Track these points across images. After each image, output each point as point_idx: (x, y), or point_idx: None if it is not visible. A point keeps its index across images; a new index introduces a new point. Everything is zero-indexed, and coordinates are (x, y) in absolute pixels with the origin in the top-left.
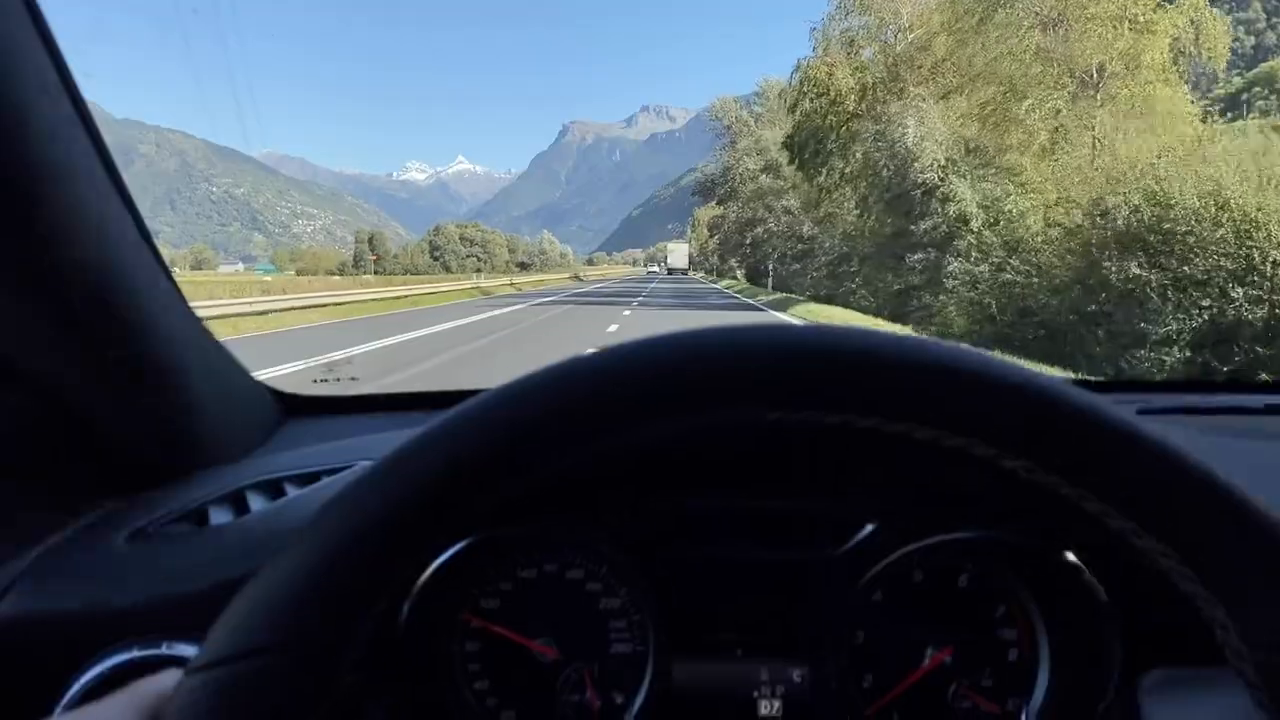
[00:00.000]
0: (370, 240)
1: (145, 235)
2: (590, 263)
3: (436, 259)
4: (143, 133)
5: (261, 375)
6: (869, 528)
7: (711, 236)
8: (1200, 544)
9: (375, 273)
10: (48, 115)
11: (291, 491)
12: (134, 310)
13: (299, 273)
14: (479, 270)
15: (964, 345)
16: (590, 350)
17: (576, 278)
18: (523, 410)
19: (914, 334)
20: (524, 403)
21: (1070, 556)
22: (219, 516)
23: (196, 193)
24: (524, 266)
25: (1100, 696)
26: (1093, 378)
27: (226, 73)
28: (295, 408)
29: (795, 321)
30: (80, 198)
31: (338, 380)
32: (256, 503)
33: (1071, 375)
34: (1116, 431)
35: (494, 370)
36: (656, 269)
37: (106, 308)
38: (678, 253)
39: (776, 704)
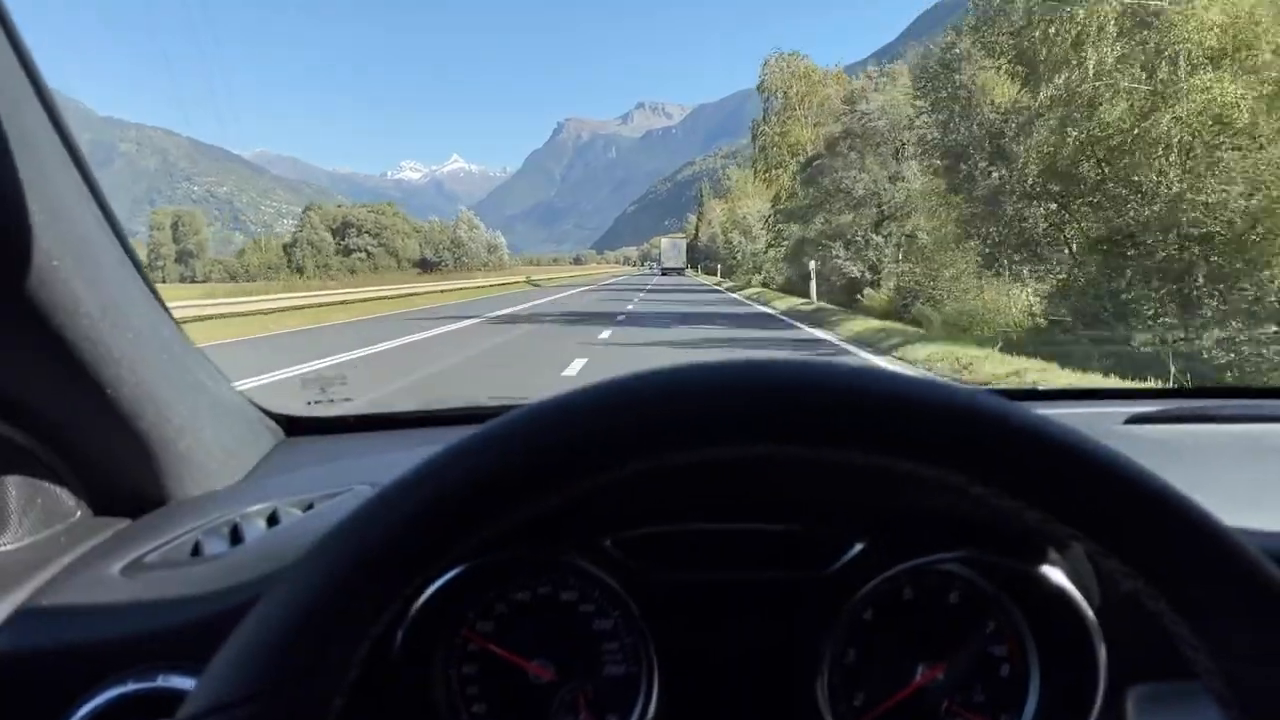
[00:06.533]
0: (174, 226)
1: (130, 254)
2: (578, 261)
3: (290, 258)
4: (123, 130)
5: None
6: (858, 547)
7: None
8: (1160, 563)
9: (183, 279)
10: (19, 130)
11: (285, 518)
12: (120, 335)
13: None
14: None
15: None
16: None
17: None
18: (532, 441)
19: None
20: (527, 436)
21: (1055, 575)
22: (214, 545)
23: (177, 192)
24: (427, 267)
25: (1089, 711)
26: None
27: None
28: (291, 429)
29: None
30: (59, 219)
31: (331, 402)
32: (251, 530)
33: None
34: (1065, 451)
35: None
36: (653, 266)
37: (91, 334)
38: (672, 249)
39: None
